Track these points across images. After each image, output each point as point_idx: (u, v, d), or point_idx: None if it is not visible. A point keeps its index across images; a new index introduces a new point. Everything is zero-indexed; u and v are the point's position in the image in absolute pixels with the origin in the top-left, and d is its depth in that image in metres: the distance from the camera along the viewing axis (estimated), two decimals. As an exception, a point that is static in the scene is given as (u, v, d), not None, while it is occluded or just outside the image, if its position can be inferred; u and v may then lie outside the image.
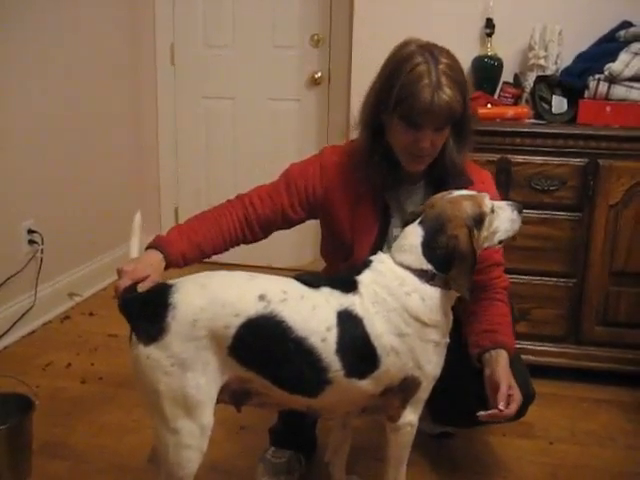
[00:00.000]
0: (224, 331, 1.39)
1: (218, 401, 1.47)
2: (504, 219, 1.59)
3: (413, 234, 1.55)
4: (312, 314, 1.44)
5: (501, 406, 1.56)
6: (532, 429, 2.28)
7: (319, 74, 3.71)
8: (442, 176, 1.75)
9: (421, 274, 1.51)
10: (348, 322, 1.46)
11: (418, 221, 1.56)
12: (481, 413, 1.57)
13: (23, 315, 2.91)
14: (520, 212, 1.62)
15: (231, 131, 3.92)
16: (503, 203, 1.63)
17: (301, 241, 3.62)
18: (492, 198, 1.64)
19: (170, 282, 1.46)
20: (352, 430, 1.85)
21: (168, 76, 3.93)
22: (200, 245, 1.71)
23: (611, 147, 2.43)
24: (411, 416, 1.59)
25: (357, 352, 1.46)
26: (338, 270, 1.80)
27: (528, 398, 1.79)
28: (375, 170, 1.74)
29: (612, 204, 2.47)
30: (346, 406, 1.68)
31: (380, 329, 1.47)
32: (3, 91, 2.74)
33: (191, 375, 1.39)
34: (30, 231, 2.93)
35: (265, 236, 1.85)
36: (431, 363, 1.53)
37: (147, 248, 1.64)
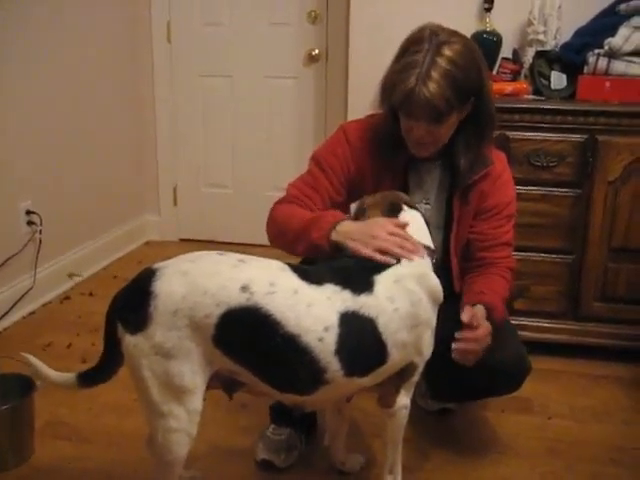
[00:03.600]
0: (205, 321, 1.35)
1: (210, 387, 1.46)
2: None
3: (416, 218, 1.61)
4: (306, 311, 1.37)
5: (464, 317, 1.58)
6: (530, 405, 2.29)
7: (316, 51, 3.68)
8: (458, 159, 1.76)
9: (432, 254, 1.57)
10: (354, 323, 1.40)
11: (404, 210, 1.60)
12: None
13: (23, 296, 2.91)
14: None
15: (229, 109, 3.90)
16: None
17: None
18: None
19: (155, 266, 1.42)
20: (349, 411, 1.87)
21: (164, 54, 3.90)
22: None
23: (610, 123, 2.42)
24: (405, 399, 1.60)
25: (362, 352, 1.43)
26: None
27: (524, 372, 1.80)
28: (393, 149, 1.77)
29: (611, 180, 2.46)
30: (335, 399, 1.69)
31: (395, 326, 1.44)
32: (1, 73, 2.72)
33: (175, 363, 1.37)
34: (28, 212, 2.92)
35: None
36: (429, 347, 1.55)
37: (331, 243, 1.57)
